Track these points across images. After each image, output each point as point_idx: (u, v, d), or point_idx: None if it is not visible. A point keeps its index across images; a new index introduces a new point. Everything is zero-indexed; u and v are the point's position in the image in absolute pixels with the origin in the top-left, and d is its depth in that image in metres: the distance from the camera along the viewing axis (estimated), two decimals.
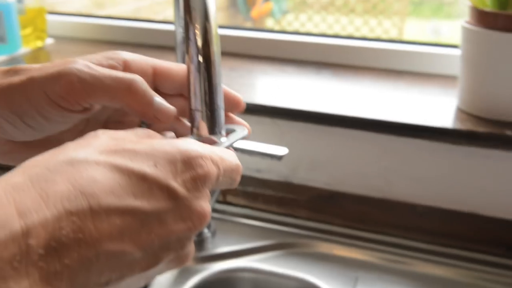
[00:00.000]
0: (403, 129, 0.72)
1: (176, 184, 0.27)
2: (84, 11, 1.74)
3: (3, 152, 0.38)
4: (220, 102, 0.39)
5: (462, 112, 0.73)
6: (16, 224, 0.22)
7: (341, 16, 3.40)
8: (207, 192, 0.30)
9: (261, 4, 3.25)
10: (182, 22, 0.61)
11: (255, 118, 0.77)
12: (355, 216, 0.80)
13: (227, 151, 0.33)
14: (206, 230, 0.77)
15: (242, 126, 0.42)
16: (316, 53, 0.95)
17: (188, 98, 0.39)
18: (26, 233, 0.22)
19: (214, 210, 0.81)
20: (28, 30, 0.97)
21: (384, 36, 3.44)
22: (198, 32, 0.37)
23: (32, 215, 0.23)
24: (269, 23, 3.50)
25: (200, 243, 0.76)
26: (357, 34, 3.44)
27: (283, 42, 0.97)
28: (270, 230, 0.80)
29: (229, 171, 0.32)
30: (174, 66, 0.38)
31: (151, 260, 0.27)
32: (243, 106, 0.41)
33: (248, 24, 3.31)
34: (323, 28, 3.43)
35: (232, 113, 0.41)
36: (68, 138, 0.33)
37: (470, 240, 0.76)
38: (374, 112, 0.74)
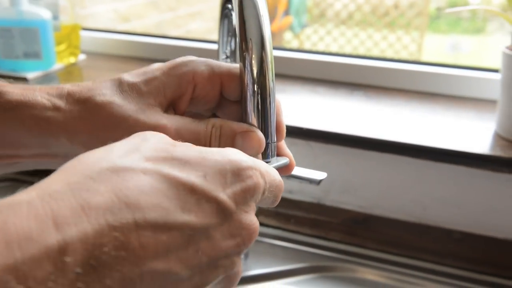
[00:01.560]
0: (439, 154, 0.71)
1: (225, 197, 0.26)
2: (110, 25, 1.76)
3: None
4: (273, 136, 0.39)
5: (500, 138, 0.72)
6: (52, 238, 0.20)
7: (359, 31, 3.41)
8: (254, 205, 0.28)
9: (281, 18, 3.27)
10: (227, 46, 0.61)
11: (288, 140, 0.76)
12: (389, 240, 0.79)
13: (271, 167, 0.32)
14: None
15: (285, 158, 0.42)
16: (348, 74, 0.95)
17: None
18: (63, 249, 0.20)
19: None
20: (62, 47, 0.98)
21: (403, 51, 3.44)
22: (254, 63, 0.37)
23: (70, 228, 0.20)
24: (288, 36, 3.52)
25: None
26: (376, 49, 3.45)
27: (315, 62, 0.97)
28: (302, 252, 0.79)
29: (274, 186, 0.30)
30: (237, 71, 0.38)
31: (199, 280, 0.25)
32: (284, 135, 0.40)
33: None
34: (341, 42, 3.44)
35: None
36: None
37: (506, 267, 0.74)
38: (409, 136, 0.73)
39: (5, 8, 0.93)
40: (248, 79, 0.37)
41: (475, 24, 3.85)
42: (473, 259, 0.76)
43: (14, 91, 0.35)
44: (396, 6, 3.44)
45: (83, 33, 1.09)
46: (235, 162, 0.27)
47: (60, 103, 0.35)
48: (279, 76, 0.98)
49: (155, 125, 0.34)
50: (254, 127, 0.36)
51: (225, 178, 0.26)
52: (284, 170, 0.41)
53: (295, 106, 0.84)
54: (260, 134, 0.36)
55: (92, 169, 0.23)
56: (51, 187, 0.22)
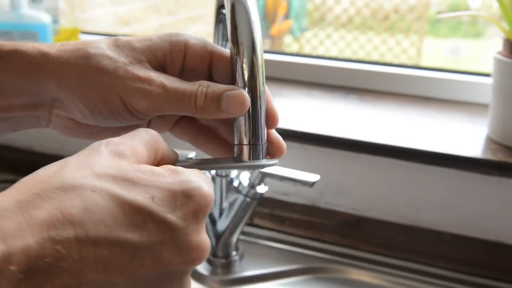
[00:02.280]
0: (431, 157, 0.72)
1: (174, 218, 0.27)
2: (110, 28, 1.78)
3: (63, 126, 0.39)
4: (264, 137, 0.40)
5: (492, 142, 0.73)
6: None
7: (359, 35, 3.43)
8: (204, 223, 0.29)
9: (281, 22, 3.29)
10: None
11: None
12: (382, 242, 0.80)
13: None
14: (234, 253, 0.78)
15: (275, 159, 0.41)
16: (344, 78, 0.96)
17: (232, 132, 0.40)
18: (7, 258, 0.22)
19: (242, 232, 0.82)
20: None
21: (403, 55, 3.45)
22: (245, 66, 0.38)
23: (15, 240, 0.23)
24: (288, 40, 3.53)
25: (228, 265, 0.77)
26: (375, 53, 3.46)
27: (311, 66, 0.98)
28: (297, 254, 0.81)
29: None
30: (228, 54, 0.39)
31: None
32: (277, 123, 0.41)
33: (267, 41, 3.34)
34: (341, 46, 3.45)
35: (267, 127, 0.41)
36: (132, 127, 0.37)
37: (496, 269, 0.75)
38: (402, 139, 0.74)
39: (6, 12, 0.95)
40: (239, 82, 0.38)
41: (476, 28, 3.86)
42: (464, 261, 0.77)
43: (6, 42, 0.36)
44: (396, 10, 3.45)
45: (82, 37, 1.10)
46: (185, 183, 0.28)
47: (51, 50, 0.36)
48: (275, 79, 1.00)
49: (142, 77, 0.36)
50: (240, 88, 0.37)
51: (175, 200, 0.27)
52: (276, 153, 0.41)
53: (291, 109, 0.85)
54: (246, 94, 0.37)
55: (42, 186, 0.25)
56: (2, 204, 0.24)
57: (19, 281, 0.22)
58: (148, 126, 0.42)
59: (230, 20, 0.39)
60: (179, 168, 0.30)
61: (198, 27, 2.59)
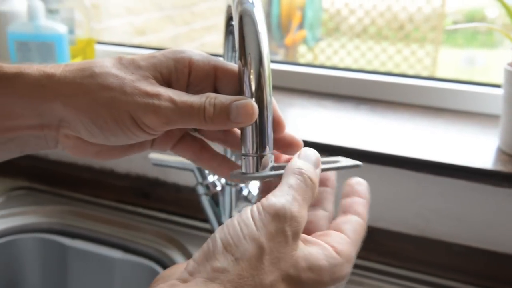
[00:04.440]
0: (442, 168, 0.72)
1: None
2: (126, 38, 1.80)
3: (71, 146, 0.39)
4: (271, 147, 0.40)
5: (503, 153, 0.73)
6: None
7: (374, 44, 3.42)
8: None
9: (295, 32, 3.30)
10: (232, 61, 0.64)
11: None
12: (392, 252, 0.80)
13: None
14: None
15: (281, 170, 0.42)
16: (354, 88, 0.96)
17: (240, 142, 0.40)
18: None
19: None
20: (77, 60, 1.02)
21: (418, 65, 3.43)
22: (252, 77, 0.39)
23: None
24: (302, 49, 3.54)
25: None
26: (390, 63, 3.44)
27: (322, 76, 0.99)
28: None
29: None
30: (234, 67, 0.40)
31: None
32: (284, 129, 0.41)
33: (281, 51, 3.35)
34: (356, 56, 3.45)
35: (275, 134, 0.42)
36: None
37: (505, 281, 0.75)
38: (412, 150, 0.74)
39: (23, 23, 0.97)
40: (246, 93, 0.39)
41: (492, 38, 3.83)
42: (473, 272, 0.76)
43: (11, 65, 0.37)
44: (411, 20, 3.44)
45: (98, 47, 1.13)
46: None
47: (56, 71, 0.37)
48: (287, 89, 1.00)
49: (151, 92, 0.36)
50: (247, 97, 0.38)
51: None
52: (294, 149, 0.42)
53: (302, 119, 0.86)
54: (254, 103, 0.37)
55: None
56: None
57: None
58: (152, 143, 0.43)
59: (238, 31, 0.39)
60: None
61: (213, 36, 2.61)
